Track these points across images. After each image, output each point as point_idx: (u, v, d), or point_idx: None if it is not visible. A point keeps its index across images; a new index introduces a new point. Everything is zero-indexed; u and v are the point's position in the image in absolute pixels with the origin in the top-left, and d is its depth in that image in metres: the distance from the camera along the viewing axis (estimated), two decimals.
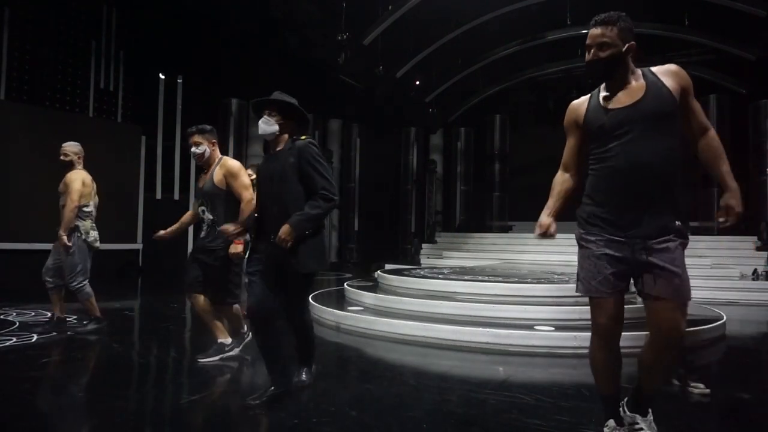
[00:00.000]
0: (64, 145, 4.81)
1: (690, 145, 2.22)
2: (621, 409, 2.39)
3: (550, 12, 12.28)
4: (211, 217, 3.77)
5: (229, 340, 3.97)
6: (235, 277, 3.87)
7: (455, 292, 5.84)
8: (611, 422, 2.33)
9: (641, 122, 2.10)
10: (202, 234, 3.83)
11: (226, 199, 3.73)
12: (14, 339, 4.43)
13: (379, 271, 7.67)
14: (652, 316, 2.15)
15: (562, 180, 2.41)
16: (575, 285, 2.31)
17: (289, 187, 2.93)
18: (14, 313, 5.64)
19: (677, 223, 2.10)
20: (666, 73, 2.17)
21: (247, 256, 3.66)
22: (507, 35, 13.61)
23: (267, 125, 3.05)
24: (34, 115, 8.93)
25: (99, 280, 8.74)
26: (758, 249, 10.89)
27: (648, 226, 2.10)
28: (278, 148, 3.08)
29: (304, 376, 3.24)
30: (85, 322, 4.89)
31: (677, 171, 2.11)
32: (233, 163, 3.82)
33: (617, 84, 2.19)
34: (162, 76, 11.57)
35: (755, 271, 9.67)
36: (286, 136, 3.08)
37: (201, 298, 3.83)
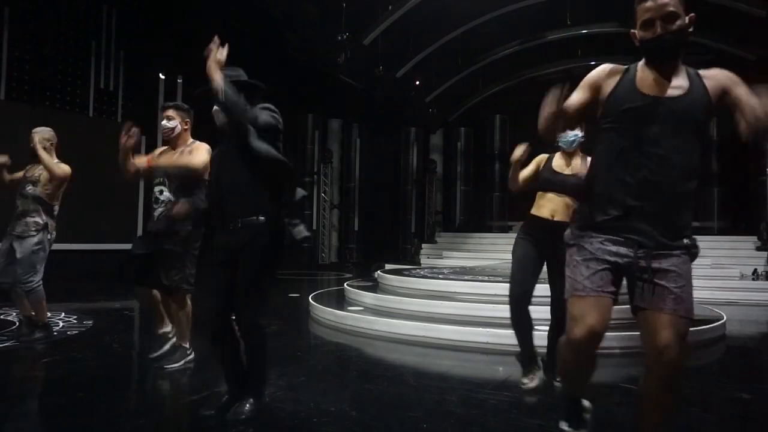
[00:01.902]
0: (35, 130, 4.47)
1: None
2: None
3: (550, 12, 12.27)
4: (171, 197, 3.58)
5: (169, 328, 3.91)
6: (192, 262, 3.66)
7: (455, 292, 5.84)
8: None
9: (675, 121, 1.85)
10: (158, 215, 3.62)
11: (188, 180, 3.54)
12: (14, 339, 4.43)
13: (379, 271, 7.67)
14: (644, 334, 1.93)
15: None
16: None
17: (242, 166, 2.63)
18: (14, 313, 5.63)
19: (686, 241, 1.90)
20: (709, 75, 1.91)
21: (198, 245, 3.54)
22: (507, 35, 13.60)
23: (217, 115, 2.80)
24: (34, 115, 8.91)
25: (99, 280, 8.78)
26: (758, 249, 10.90)
27: (654, 234, 1.88)
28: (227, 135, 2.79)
29: (246, 407, 2.66)
30: (34, 329, 4.43)
31: (695, 182, 1.90)
32: (205, 146, 3.62)
33: (666, 69, 1.89)
34: (162, 76, 11.57)
35: (755, 271, 9.67)
36: None
37: (152, 291, 3.76)
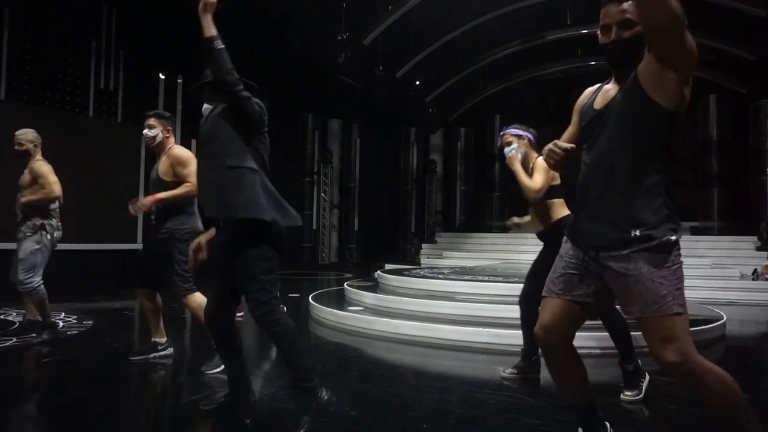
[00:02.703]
0: (17, 133, 4.46)
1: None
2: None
3: (550, 12, 12.27)
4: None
5: (163, 340, 3.98)
6: (183, 263, 3.64)
7: (455, 292, 5.84)
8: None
9: (612, 124, 1.89)
10: (153, 224, 3.75)
11: (172, 189, 3.61)
12: (14, 339, 4.43)
13: (379, 271, 7.67)
14: None
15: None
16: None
17: (224, 148, 2.61)
18: (14, 313, 5.64)
19: (636, 233, 1.78)
20: (640, 68, 1.82)
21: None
22: (507, 35, 13.60)
23: (207, 111, 2.82)
24: (34, 115, 8.91)
25: (99, 280, 8.77)
26: (758, 249, 10.90)
27: (601, 233, 1.87)
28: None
29: (323, 393, 2.70)
30: (36, 333, 4.42)
31: (645, 176, 1.82)
32: (182, 152, 3.69)
33: (624, 75, 1.90)
34: (162, 76, 11.56)
35: (755, 271, 9.66)
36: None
37: (145, 293, 3.84)
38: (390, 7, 11.25)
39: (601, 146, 1.91)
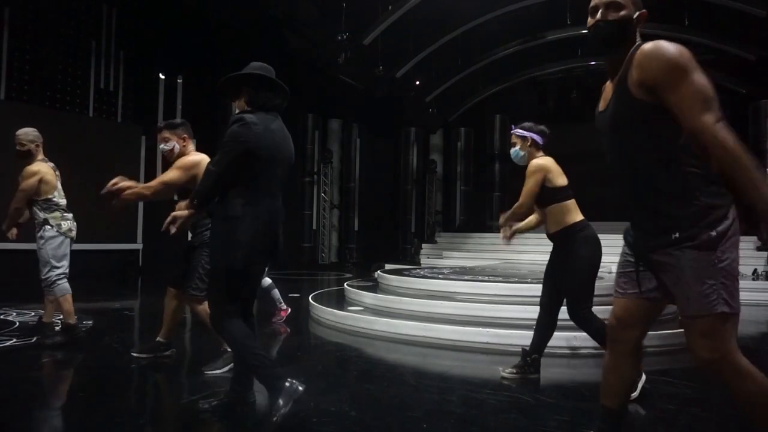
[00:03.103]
0: (18, 133, 4.41)
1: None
2: None
3: (550, 12, 12.26)
4: None
5: (167, 341, 3.94)
6: (203, 269, 3.57)
7: (455, 292, 5.84)
8: None
9: (609, 135, 1.86)
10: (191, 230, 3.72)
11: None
12: (14, 339, 4.43)
13: (379, 271, 7.67)
14: None
15: None
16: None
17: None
18: (14, 313, 5.64)
19: (675, 235, 1.71)
20: (636, 61, 1.72)
21: None
22: (507, 35, 13.59)
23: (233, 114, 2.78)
24: (34, 115, 8.90)
25: (99, 280, 8.78)
26: (758, 249, 10.89)
27: (640, 234, 1.86)
28: None
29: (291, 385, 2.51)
30: (55, 330, 4.42)
31: (660, 174, 1.74)
32: (186, 158, 3.56)
33: (614, 68, 1.83)
34: (162, 76, 11.57)
35: (755, 271, 9.66)
36: None
37: (173, 293, 3.83)
38: (390, 7, 11.24)
39: (612, 148, 1.87)
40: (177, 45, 10.93)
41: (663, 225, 1.74)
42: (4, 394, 3.10)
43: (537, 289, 5.64)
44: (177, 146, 3.65)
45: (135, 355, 3.90)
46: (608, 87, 1.92)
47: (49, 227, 4.30)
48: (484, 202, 15.39)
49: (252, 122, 2.58)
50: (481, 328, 4.65)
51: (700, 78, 1.64)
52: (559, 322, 4.78)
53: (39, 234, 4.30)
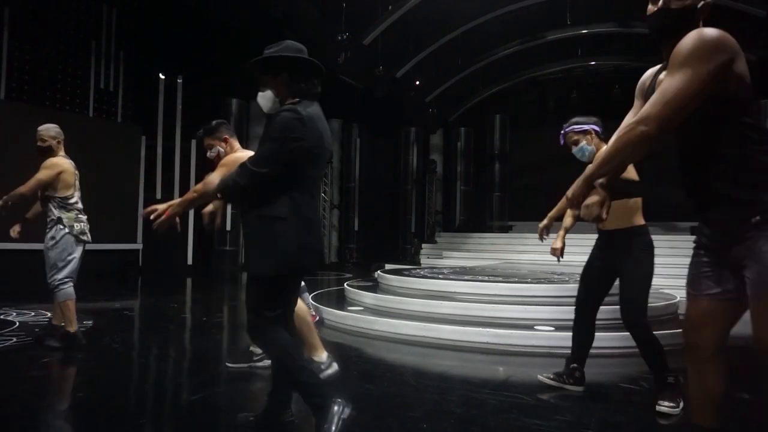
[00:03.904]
0: (39, 129, 4.28)
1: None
2: None
3: (550, 12, 12.26)
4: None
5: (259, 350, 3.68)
6: None
7: (455, 292, 5.83)
8: None
9: (676, 130, 1.76)
10: None
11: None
12: (14, 339, 4.43)
13: (379, 271, 7.67)
14: None
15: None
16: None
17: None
18: (14, 313, 5.64)
19: (755, 219, 1.61)
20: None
21: None
22: (507, 35, 13.59)
23: (261, 99, 2.44)
24: (34, 115, 8.90)
25: (99, 280, 8.78)
26: None
27: (716, 229, 1.75)
28: None
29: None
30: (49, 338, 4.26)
31: (721, 153, 1.68)
32: (230, 158, 3.48)
33: (670, 53, 1.75)
34: (162, 76, 11.57)
35: None
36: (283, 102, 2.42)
37: None
38: (390, 7, 11.24)
39: (679, 140, 1.78)
40: (177, 45, 10.92)
41: (738, 210, 1.66)
42: (4, 394, 3.10)
43: (537, 289, 5.68)
44: (221, 149, 3.58)
45: (231, 366, 3.71)
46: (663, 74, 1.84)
47: (61, 227, 4.18)
48: (484, 202, 15.39)
49: (307, 116, 2.32)
50: (481, 328, 4.65)
51: (685, 79, 1.61)
52: (559, 322, 4.80)
53: (51, 234, 4.16)
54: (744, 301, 1.73)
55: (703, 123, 1.70)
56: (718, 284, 1.75)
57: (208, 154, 3.60)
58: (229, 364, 3.75)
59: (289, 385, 2.48)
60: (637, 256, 3.07)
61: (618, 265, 3.13)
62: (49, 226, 4.21)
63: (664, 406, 2.92)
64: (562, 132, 3.33)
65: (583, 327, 3.31)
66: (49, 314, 4.99)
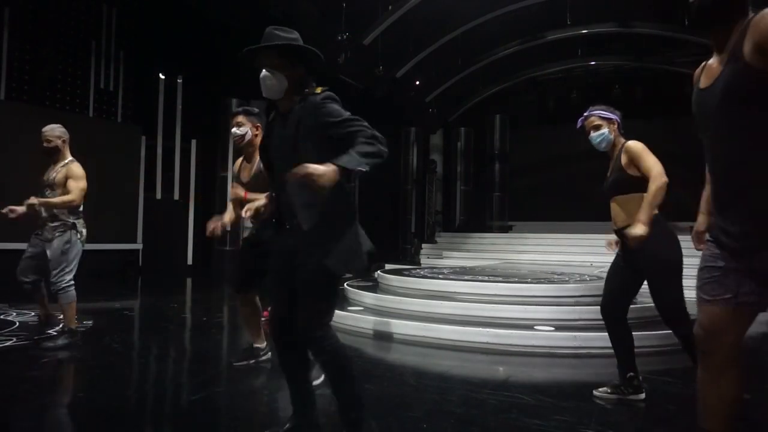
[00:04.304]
0: (44, 129, 4.31)
1: None
2: None
3: (550, 12, 12.26)
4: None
5: (263, 345, 3.76)
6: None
7: (455, 292, 5.83)
8: None
9: (713, 114, 1.69)
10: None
11: None
12: (14, 339, 4.43)
13: (379, 271, 7.67)
14: None
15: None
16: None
17: (306, 160, 1.97)
18: (14, 313, 5.64)
19: None
20: (752, 26, 1.58)
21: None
22: (507, 35, 13.59)
23: (272, 81, 2.23)
24: (34, 115, 8.90)
25: (99, 280, 8.77)
26: None
27: (744, 236, 1.66)
28: (284, 109, 2.29)
29: None
30: (54, 332, 4.45)
31: (759, 164, 1.62)
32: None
33: (721, 42, 1.68)
34: (162, 76, 11.57)
35: None
36: (291, 89, 2.26)
37: (249, 299, 3.68)
38: (390, 7, 11.24)
39: (716, 131, 1.71)
40: (177, 45, 10.92)
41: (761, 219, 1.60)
42: (4, 394, 3.10)
43: (537, 289, 5.68)
44: (250, 133, 3.56)
45: (236, 364, 3.72)
46: (713, 64, 1.76)
47: (75, 232, 4.30)
48: (484, 202, 15.39)
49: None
50: (481, 328, 4.65)
51: None
52: (561, 322, 4.80)
53: (65, 238, 4.23)
54: (762, 307, 1.69)
55: (749, 127, 1.64)
56: (736, 288, 1.68)
57: (237, 130, 3.56)
58: (235, 363, 3.74)
59: (342, 394, 2.24)
60: (655, 248, 2.86)
61: (642, 263, 2.97)
62: (60, 230, 4.26)
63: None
64: (585, 114, 3.19)
65: (619, 331, 3.17)
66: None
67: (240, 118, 3.58)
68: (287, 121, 2.23)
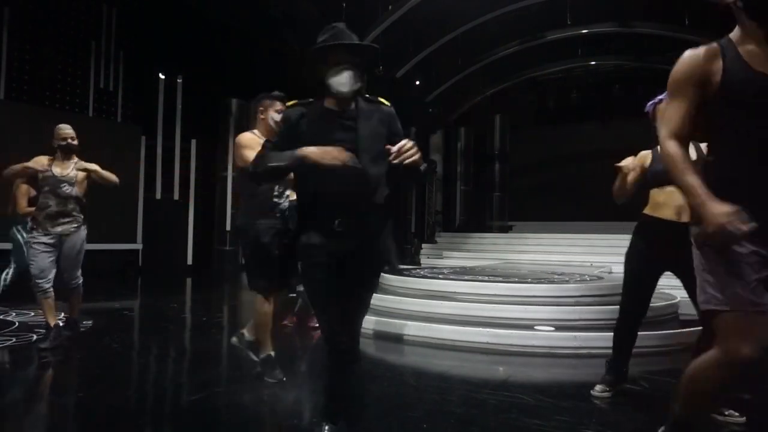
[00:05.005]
0: (61, 128, 4.40)
1: None
2: None
3: (550, 12, 12.27)
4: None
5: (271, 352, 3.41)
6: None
7: (455, 292, 5.83)
8: None
9: None
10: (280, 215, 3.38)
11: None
12: (14, 339, 4.43)
13: None
14: None
15: (685, 155, 1.70)
16: (703, 296, 1.73)
17: (377, 162, 2.14)
18: (14, 313, 5.64)
19: None
20: None
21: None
22: (507, 35, 13.60)
23: (355, 79, 2.24)
24: (34, 115, 8.90)
25: (99, 280, 8.77)
26: None
27: None
28: (337, 108, 2.28)
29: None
30: (62, 323, 4.41)
31: None
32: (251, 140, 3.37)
33: None
34: (162, 76, 11.56)
35: None
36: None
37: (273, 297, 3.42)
38: (390, 7, 11.25)
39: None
40: (177, 45, 10.91)
41: None
42: (4, 394, 3.10)
43: (537, 289, 5.68)
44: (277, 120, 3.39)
45: (269, 380, 3.32)
46: (763, 51, 1.66)
47: (84, 228, 4.41)
48: (484, 202, 15.40)
49: None
50: (481, 328, 4.64)
51: None
52: (561, 323, 4.80)
53: (82, 235, 4.35)
54: None
55: None
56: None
57: (277, 115, 3.35)
58: (269, 379, 3.31)
59: (344, 394, 2.22)
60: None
61: (676, 261, 2.74)
62: (75, 226, 4.31)
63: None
64: (658, 99, 2.90)
65: (633, 336, 3.15)
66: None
67: (282, 108, 3.29)
68: (359, 117, 2.26)
